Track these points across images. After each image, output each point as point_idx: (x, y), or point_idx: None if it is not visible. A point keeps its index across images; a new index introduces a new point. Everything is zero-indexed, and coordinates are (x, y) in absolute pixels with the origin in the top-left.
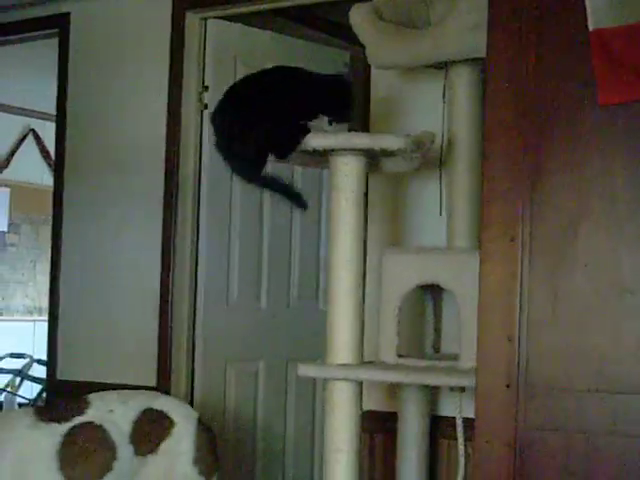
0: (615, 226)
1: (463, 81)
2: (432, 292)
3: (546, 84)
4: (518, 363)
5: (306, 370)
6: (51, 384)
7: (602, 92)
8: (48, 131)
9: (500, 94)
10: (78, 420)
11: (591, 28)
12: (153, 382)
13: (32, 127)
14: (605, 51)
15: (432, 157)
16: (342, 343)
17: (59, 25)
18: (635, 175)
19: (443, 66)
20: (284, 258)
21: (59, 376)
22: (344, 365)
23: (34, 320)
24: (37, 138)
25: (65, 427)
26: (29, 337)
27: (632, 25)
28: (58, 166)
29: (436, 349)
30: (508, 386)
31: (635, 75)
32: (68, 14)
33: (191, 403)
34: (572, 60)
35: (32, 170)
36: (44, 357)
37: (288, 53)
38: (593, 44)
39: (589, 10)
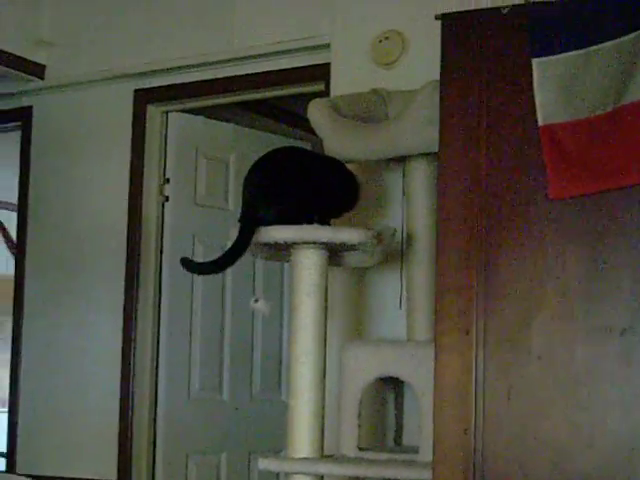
0: (569, 318)
1: (420, 175)
2: (394, 384)
3: (498, 178)
4: (474, 456)
5: (266, 464)
6: None
7: (553, 186)
8: (13, 221)
9: (452, 188)
10: None
11: (541, 123)
12: (114, 476)
13: None
14: (555, 146)
15: (393, 251)
16: (302, 436)
17: (21, 118)
18: (587, 268)
19: (402, 159)
20: (247, 350)
21: (19, 469)
22: (304, 459)
23: None
24: (2, 228)
25: None
26: None
27: (580, 120)
28: (19, 256)
29: (398, 442)
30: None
31: (584, 170)
32: (30, 107)
33: None
34: (523, 154)
35: None
36: (4, 449)
37: (250, 145)
38: (543, 139)
39: (538, 105)
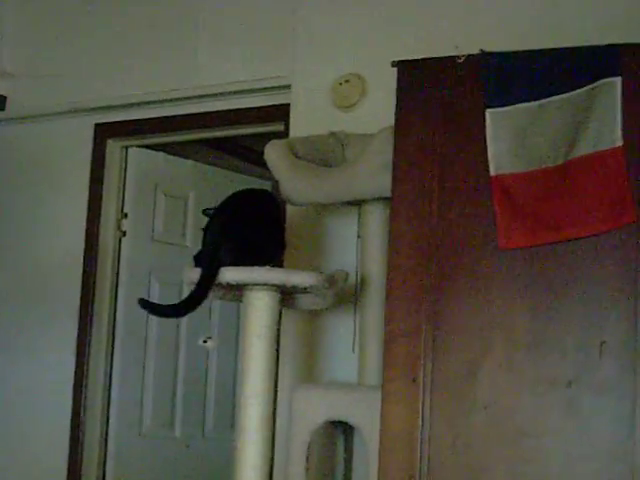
0: (515, 368)
1: (375, 219)
2: (344, 428)
3: (449, 226)
4: None
5: None
6: None
7: (502, 237)
8: None
9: (403, 235)
10: None
11: (492, 173)
12: None
13: None
14: (505, 196)
15: (347, 293)
16: (249, 478)
17: None
18: (534, 318)
19: (357, 203)
20: (200, 386)
21: None
22: None
23: None
24: None
25: None
26: None
27: (531, 172)
28: None
29: None
30: None
31: (534, 220)
32: None
33: None
34: (474, 204)
35: None
36: None
37: (209, 182)
38: (494, 189)
39: (491, 155)
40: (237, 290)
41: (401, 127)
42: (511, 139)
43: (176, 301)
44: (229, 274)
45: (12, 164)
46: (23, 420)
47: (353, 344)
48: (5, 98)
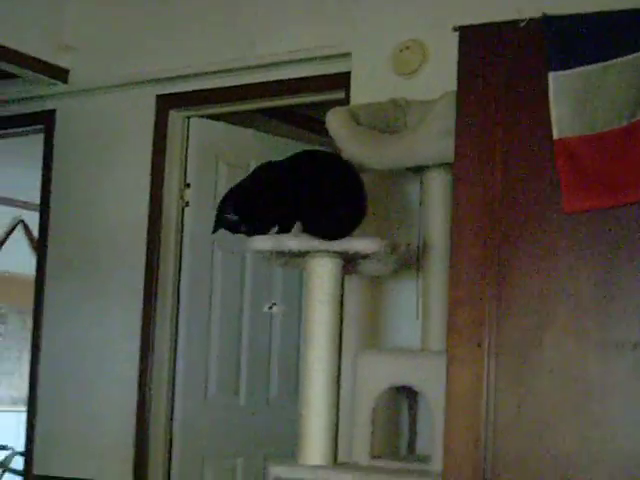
0: (580, 332)
1: (437, 185)
2: (408, 393)
3: (512, 191)
4: (484, 469)
5: (278, 471)
6: (28, 478)
7: (567, 200)
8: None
9: (466, 200)
10: None
11: (556, 137)
12: (130, 477)
13: (21, 218)
14: (569, 159)
15: (409, 260)
16: (315, 444)
17: (45, 121)
18: (600, 282)
19: (419, 170)
20: (264, 355)
21: (36, 470)
22: (316, 466)
23: (19, 411)
24: (26, 229)
25: None
26: (13, 428)
27: (596, 134)
28: (40, 257)
29: (411, 450)
30: None
31: (599, 183)
32: (54, 111)
33: None
34: (538, 167)
35: (20, 260)
36: (22, 449)
37: (270, 151)
38: (557, 153)
39: (554, 119)
40: (300, 257)
41: (463, 92)
42: (574, 102)
43: (238, 271)
44: (291, 242)
45: (76, 137)
46: (91, 387)
47: (417, 310)
48: (68, 71)
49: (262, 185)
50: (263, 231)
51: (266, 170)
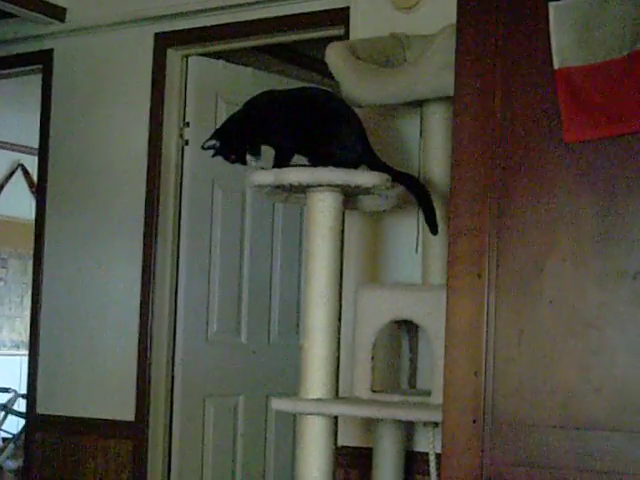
0: (581, 262)
1: (437, 119)
2: (408, 327)
3: (513, 122)
4: (484, 398)
5: (279, 404)
6: (31, 418)
7: (568, 130)
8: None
9: (466, 131)
10: None
11: (556, 67)
12: (132, 417)
13: (21, 162)
14: (570, 90)
15: (410, 195)
16: (316, 378)
17: (42, 61)
18: (601, 212)
19: (419, 104)
20: (264, 293)
21: (39, 410)
22: (317, 400)
23: (21, 355)
24: (25, 173)
25: None
26: (16, 371)
27: (597, 64)
28: (40, 199)
29: (412, 384)
30: (474, 421)
31: (600, 113)
32: (51, 50)
33: (169, 437)
34: (538, 98)
35: (20, 205)
36: (25, 391)
37: (269, 89)
38: (558, 83)
39: (554, 49)
40: (300, 192)
41: (463, 24)
42: (575, 32)
43: (238, 210)
44: (292, 175)
45: (74, 76)
46: (92, 328)
47: (416, 245)
48: (65, 10)
49: (256, 110)
50: (241, 155)
51: (264, 96)
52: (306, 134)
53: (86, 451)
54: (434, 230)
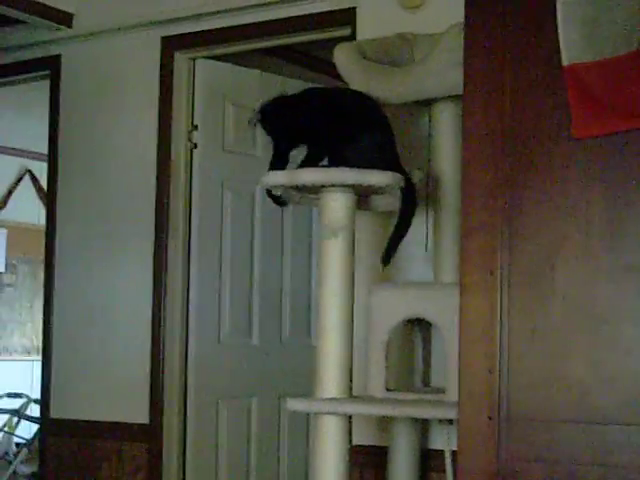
0: (591, 258)
1: (446, 118)
2: (421, 326)
3: (522, 119)
4: (499, 395)
5: (294, 404)
6: (45, 423)
7: (577, 126)
8: (45, 172)
9: (476, 130)
10: None
11: (565, 63)
12: (146, 419)
13: (29, 168)
14: (579, 86)
15: (419, 194)
16: (330, 377)
17: (50, 67)
18: (611, 207)
19: (427, 103)
20: (276, 294)
21: (53, 415)
22: (332, 399)
23: (32, 360)
24: (34, 179)
25: None
26: (27, 377)
27: (605, 60)
28: (50, 206)
29: (426, 382)
30: (490, 418)
31: (609, 109)
32: (59, 56)
33: (183, 440)
34: (547, 95)
35: (29, 210)
36: (38, 396)
37: (277, 90)
38: (567, 79)
39: (563, 45)
40: (313, 193)
41: (471, 22)
42: (583, 28)
43: (248, 212)
44: (306, 175)
45: (82, 81)
46: (105, 331)
47: (426, 244)
48: (72, 15)
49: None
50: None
51: (315, 95)
52: (331, 136)
53: (101, 454)
54: (386, 258)
